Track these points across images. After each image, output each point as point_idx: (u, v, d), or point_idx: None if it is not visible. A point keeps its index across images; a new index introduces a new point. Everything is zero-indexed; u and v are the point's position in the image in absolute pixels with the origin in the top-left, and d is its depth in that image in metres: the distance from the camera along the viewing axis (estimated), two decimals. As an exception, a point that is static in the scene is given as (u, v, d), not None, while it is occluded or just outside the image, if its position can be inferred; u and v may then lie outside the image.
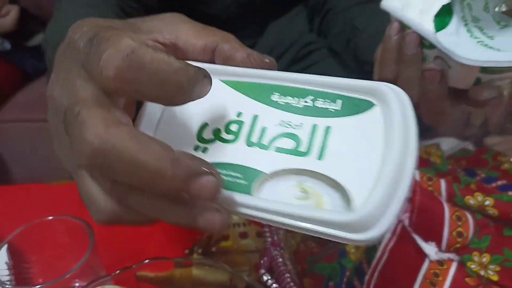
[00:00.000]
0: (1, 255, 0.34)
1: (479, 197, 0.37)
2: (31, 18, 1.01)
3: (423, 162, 0.41)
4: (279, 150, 0.20)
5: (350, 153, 0.19)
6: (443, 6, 0.32)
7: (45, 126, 0.72)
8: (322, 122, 0.20)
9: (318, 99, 0.20)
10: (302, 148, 0.19)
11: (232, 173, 0.20)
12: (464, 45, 0.31)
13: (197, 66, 0.19)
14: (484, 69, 0.32)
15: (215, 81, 0.21)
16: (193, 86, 0.19)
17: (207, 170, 0.18)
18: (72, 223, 0.36)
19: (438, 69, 0.34)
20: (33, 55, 0.99)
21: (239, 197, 0.19)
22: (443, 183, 0.38)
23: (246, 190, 0.20)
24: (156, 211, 0.19)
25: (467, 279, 0.34)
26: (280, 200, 0.19)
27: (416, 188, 0.36)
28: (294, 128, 0.20)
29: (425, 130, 0.60)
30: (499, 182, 0.43)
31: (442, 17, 0.32)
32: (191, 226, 0.19)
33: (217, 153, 0.21)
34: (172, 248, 0.42)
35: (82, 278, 0.33)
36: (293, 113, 0.20)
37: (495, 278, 0.34)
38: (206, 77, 0.20)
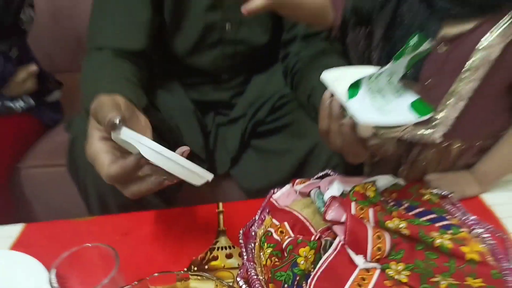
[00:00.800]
0: (52, 279, 0.47)
1: (396, 221, 0.51)
2: (48, 78, 1.17)
3: (360, 196, 0.55)
4: None
5: None
6: (356, 81, 0.48)
7: (63, 170, 0.87)
8: None
9: None
10: None
11: None
12: (364, 110, 0.46)
13: None
14: (376, 126, 0.47)
15: None
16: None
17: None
18: (102, 248, 0.49)
19: (350, 124, 0.48)
20: (50, 109, 1.15)
21: None
22: (371, 212, 0.52)
23: None
24: None
25: (385, 282, 0.48)
26: None
27: (348, 216, 0.50)
28: None
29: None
30: (417, 210, 0.57)
31: (354, 89, 0.48)
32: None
33: None
34: (174, 267, 0.56)
35: (110, 288, 0.47)
36: None
37: (405, 280, 0.48)
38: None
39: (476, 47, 0.54)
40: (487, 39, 0.54)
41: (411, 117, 0.46)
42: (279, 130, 0.83)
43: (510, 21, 0.52)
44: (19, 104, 1.03)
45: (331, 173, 0.65)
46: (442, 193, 0.60)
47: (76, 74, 1.31)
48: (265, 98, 0.86)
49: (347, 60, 0.73)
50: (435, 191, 0.61)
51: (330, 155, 0.72)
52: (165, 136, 0.78)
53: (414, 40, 0.42)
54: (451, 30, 0.56)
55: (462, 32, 0.55)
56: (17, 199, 0.96)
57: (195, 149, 0.83)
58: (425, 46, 0.43)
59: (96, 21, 0.75)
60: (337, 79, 0.51)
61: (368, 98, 0.48)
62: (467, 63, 0.55)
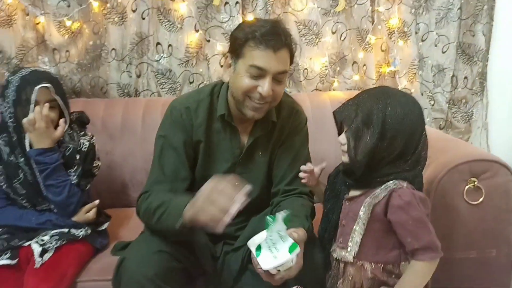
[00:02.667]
0: None
1: None
2: (101, 212, 1.57)
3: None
4: None
5: None
6: (258, 245, 0.89)
7: (109, 284, 1.21)
8: None
9: None
10: None
11: None
12: (264, 259, 0.85)
13: None
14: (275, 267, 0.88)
15: None
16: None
17: None
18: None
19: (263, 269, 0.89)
20: (100, 236, 1.52)
21: None
22: None
23: None
24: None
25: None
26: None
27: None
28: None
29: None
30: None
31: (258, 250, 0.88)
32: None
33: None
34: None
35: None
36: None
37: None
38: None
39: (363, 203, 0.98)
40: (366, 201, 0.99)
41: (289, 257, 0.88)
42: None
43: (378, 192, 0.99)
44: (80, 233, 1.40)
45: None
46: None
47: (118, 209, 1.74)
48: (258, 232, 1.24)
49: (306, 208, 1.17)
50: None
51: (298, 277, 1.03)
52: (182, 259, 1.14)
53: (281, 216, 0.90)
54: (352, 193, 1.03)
55: (355, 195, 1.03)
56: None
57: (208, 269, 1.18)
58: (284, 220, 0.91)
59: (154, 172, 1.22)
60: (255, 243, 0.93)
61: (267, 251, 0.89)
62: (359, 212, 0.99)
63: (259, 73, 1.08)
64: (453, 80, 2.09)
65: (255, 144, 1.24)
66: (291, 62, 1.16)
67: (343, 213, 1.06)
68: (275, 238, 0.90)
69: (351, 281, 1.01)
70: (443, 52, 2.07)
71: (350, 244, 1.02)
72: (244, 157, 1.25)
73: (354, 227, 1.01)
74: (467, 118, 2.14)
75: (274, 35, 1.07)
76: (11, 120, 1.34)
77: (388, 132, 0.95)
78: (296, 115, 1.29)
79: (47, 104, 1.32)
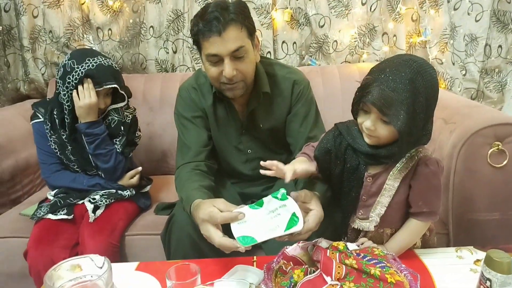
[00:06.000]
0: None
1: (350, 260, 0.91)
2: (143, 176, 1.72)
3: (334, 248, 0.96)
4: None
5: None
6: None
7: (153, 238, 1.35)
8: None
9: None
10: None
11: None
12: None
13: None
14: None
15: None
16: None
17: None
18: (189, 266, 0.92)
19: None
20: (143, 196, 1.67)
21: None
22: (337, 255, 0.93)
23: None
24: None
25: (342, 292, 0.87)
26: None
27: (323, 257, 0.92)
28: None
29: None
30: (367, 258, 0.97)
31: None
32: None
33: None
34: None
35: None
36: None
37: (353, 292, 0.87)
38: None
39: (388, 177, 1.00)
40: (392, 174, 1.00)
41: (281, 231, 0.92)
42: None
43: (400, 165, 0.99)
44: (126, 193, 1.56)
45: (318, 240, 1.06)
46: (386, 252, 1.00)
47: (158, 176, 1.88)
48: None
49: None
50: (382, 250, 1.01)
51: (318, 233, 1.10)
52: None
53: (280, 193, 0.95)
54: (373, 170, 1.02)
55: (377, 172, 1.02)
56: (125, 254, 1.44)
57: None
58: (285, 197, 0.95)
59: (180, 150, 1.32)
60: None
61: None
62: (383, 187, 1.01)
63: (216, 59, 1.14)
64: (486, 49, 2.07)
65: (253, 115, 1.32)
66: (251, 31, 1.17)
67: (365, 189, 1.03)
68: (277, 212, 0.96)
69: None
70: (477, 21, 2.05)
71: (372, 215, 1.04)
72: (247, 128, 1.33)
73: (378, 199, 1.02)
74: (500, 88, 2.11)
75: (215, 19, 1.09)
76: (67, 104, 1.44)
77: (429, 113, 0.94)
78: (296, 84, 1.31)
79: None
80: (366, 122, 0.96)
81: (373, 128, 0.95)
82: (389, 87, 0.90)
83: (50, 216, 1.43)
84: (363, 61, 2.13)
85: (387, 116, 0.91)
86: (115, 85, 1.45)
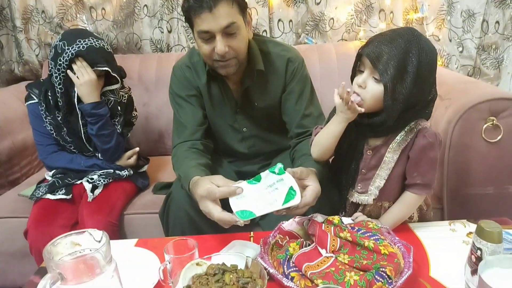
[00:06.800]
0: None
1: (345, 233, 0.93)
2: (140, 156, 1.73)
3: (329, 222, 0.98)
4: None
5: None
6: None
7: (151, 216, 1.37)
8: None
9: None
10: None
11: None
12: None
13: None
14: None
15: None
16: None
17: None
18: (186, 241, 0.94)
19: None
20: (140, 176, 1.68)
21: None
22: (332, 228, 0.95)
23: None
24: None
25: (336, 263, 0.89)
26: None
27: (318, 230, 0.94)
28: None
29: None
30: (362, 231, 0.99)
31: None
32: None
33: None
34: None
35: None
36: None
37: (346, 262, 0.89)
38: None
39: (387, 150, 1.02)
40: (391, 147, 1.01)
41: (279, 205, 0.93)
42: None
43: (400, 138, 1.01)
44: (124, 173, 1.57)
45: (314, 214, 1.08)
46: (380, 226, 1.02)
47: (155, 157, 1.89)
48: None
49: None
50: (376, 223, 1.03)
51: (315, 209, 1.11)
52: None
53: (277, 167, 0.94)
54: (372, 142, 1.04)
55: (377, 145, 1.03)
56: (124, 233, 1.47)
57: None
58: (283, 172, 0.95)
59: (176, 129, 1.32)
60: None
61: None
62: (383, 160, 1.02)
63: (208, 36, 1.13)
64: (484, 25, 2.05)
65: (247, 94, 1.31)
66: (242, 7, 1.16)
67: (364, 162, 1.05)
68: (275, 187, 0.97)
69: (367, 214, 1.10)
70: (474, -4, 2.03)
71: (371, 188, 1.06)
72: (241, 106, 1.33)
73: (377, 172, 1.04)
74: (497, 64, 2.11)
75: None
76: (59, 87, 1.44)
77: (421, 79, 0.94)
78: (290, 62, 1.30)
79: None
80: (358, 78, 0.99)
81: (363, 85, 0.97)
82: (385, 42, 0.94)
83: (49, 196, 1.44)
84: (360, 39, 2.11)
85: (378, 70, 0.93)
86: (106, 68, 1.43)
